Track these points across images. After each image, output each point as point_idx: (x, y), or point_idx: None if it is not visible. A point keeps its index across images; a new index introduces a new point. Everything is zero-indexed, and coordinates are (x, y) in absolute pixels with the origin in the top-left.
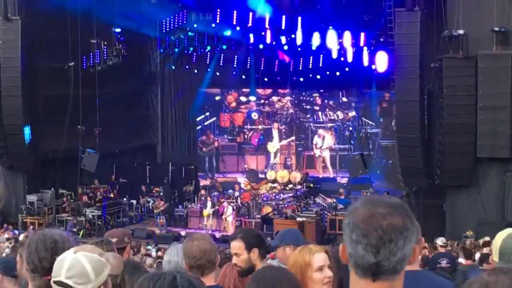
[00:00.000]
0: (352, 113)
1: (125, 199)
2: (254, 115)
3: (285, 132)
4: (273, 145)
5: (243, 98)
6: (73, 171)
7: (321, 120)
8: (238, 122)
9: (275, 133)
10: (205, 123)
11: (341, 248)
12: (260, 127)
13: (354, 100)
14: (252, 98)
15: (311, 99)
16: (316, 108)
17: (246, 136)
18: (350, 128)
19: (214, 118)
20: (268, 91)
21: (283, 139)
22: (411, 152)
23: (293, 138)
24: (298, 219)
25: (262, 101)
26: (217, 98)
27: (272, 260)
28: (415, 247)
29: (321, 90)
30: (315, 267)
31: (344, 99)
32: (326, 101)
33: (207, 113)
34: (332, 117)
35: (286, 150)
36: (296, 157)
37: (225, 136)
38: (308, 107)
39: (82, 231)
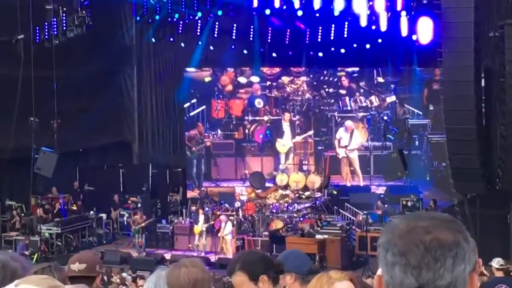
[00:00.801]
0: (391, 98)
1: (92, 212)
2: (258, 103)
3: (300, 125)
4: (284, 143)
5: (242, 80)
6: (25, 177)
7: (348, 108)
8: (236, 112)
9: (286, 126)
10: (191, 114)
11: (376, 280)
12: (265, 118)
13: (393, 80)
14: (255, 79)
15: (335, 79)
16: (342, 92)
17: (247, 131)
18: (386, 118)
19: (204, 107)
20: (277, 70)
21: (297, 134)
22: (465, 148)
23: (311, 132)
24: (318, 236)
25: (269, 83)
26: (207, 79)
27: None
28: (472, 275)
29: (347, 69)
30: None
31: (380, 80)
32: (355, 82)
33: (194, 100)
34: (364, 104)
35: (302, 150)
36: (315, 158)
37: (218, 131)
38: (330, 90)
39: (36, 254)
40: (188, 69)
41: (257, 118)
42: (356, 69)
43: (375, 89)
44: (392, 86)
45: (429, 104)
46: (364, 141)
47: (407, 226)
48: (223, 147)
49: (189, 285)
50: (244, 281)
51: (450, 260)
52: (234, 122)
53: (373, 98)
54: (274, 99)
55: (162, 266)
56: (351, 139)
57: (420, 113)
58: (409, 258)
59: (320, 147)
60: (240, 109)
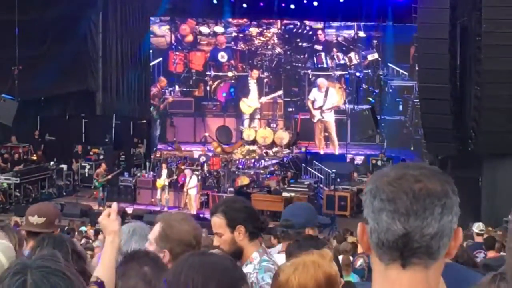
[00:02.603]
0: (373, 56)
1: (52, 163)
2: (222, 56)
3: (269, 83)
4: (250, 103)
5: (204, 29)
6: None
7: (324, 65)
8: (196, 66)
9: (252, 84)
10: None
11: (359, 228)
12: (230, 74)
13: (376, 36)
14: (219, 29)
15: (310, 32)
16: (318, 47)
17: (208, 88)
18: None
19: (160, 59)
20: (244, 20)
21: (265, 94)
22: (437, 108)
23: (281, 92)
24: (285, 194)
25: (235, 34)
26: (164, 28)
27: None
28: (457, 228)
29: (324, 23)
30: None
31: (362, 34)
32: (333, 36)
33: (150, 51)
34: (342, 62)
35: (270, 111)
36: (284, 122)
37: (176, 87)
38: (304, 44)
39: None
40: (155, 17)
41: (220, 73)
42: (336, 23)
43: (355, 45)
44: (375, 42)
45: (415, 63)
46: (341, 103)
47: (396, 174)
48: (181, 105)
49: (193, 238)
50: (221, 224)
51: (439, 209)
52: (194, 78)
53: (352, 55)
54: (240, 53)
55: (133, 220)
56: (326, 99)
57: (406, 74)
58: (398, 205)
59: (290, 109)
60: (201, 63)
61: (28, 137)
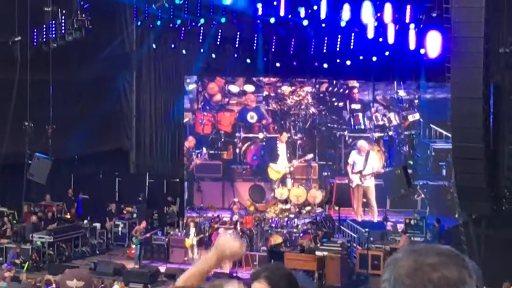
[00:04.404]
0: (415, 116)
1: (86, 221)
2: (252, 117)
3: (302, 144)
4: (277, 169)
5: (234, 88)
6: (17, 183)
7: (362, 126)
8: (224, 127)
9: (282, 148)
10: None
11: None
12: (260, 135)
13: (417, 95)
14: (249, 88)
15: (347, 91)
16: (355, 106)
17: (237, 151)
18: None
19: (187, 119)
20: (276, 79)
21: (298, 156)
22: (471, 167)
23: (311, 156)
24: (318, 253)
25: (266, 93)
26: (191, 86)
27: None
28: None
29: (361, 81)
30: None
31: (402, 93)
32: (370, 95)
33: (184, 110)
34: (381, 122)
35: (303, 175)
36: (319, 187)
37: (204, 149)
38: (340, 104)
39: (27, 263)
40: (189, 76)
41: (250, 135)
42: (371, 81)
43: (395, 105)
44: (416, 102)
45: None
46: (380, 167)
47: (414, 263)
48: (208, 169)
49: None
50: None
51: None
52: (222, 139)
53: (392, 115)
54: (272, 113)
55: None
56: (367, 163)
57: (449, 136)
58: None
59: (325, 173)
60: (230, 123)
61: (62, 196)
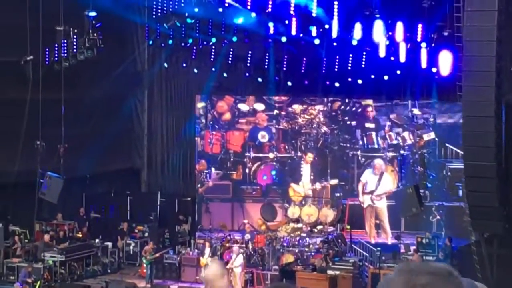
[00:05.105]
0: (430, 135)
1: (97, 240)
2: (262, 136)
3: (314, 163)
4: (300, 190)
5: (243, 107)
6: (29, 202)
7: (375, 146)
8: (234, 147)
9: (306, 169)
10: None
11: None
12: (271, 155)
13: (432, 113)
14: (259, 106)
15: (359, 109)
16: (368, 125)
17: (247, 171)
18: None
19: (197, 139)
20: (287, 98)
21: (315, 179)
22: (483, 186)
23: (336, 181)
24: (330, 272)
25: (276, 112)
26: (200, 105)
27: None
28: None
29: (374, 99)
30: None
31: (416, 112)
32: (384, 114)
33: (196, 129)
34: (395, 141)
35: (316, 196)
36: (331, 206)
37: (212, 169)
38: (353, 123)
39: (39, 282)
40: (201, 95)
41: (260, 155)
42: (384, 100)
43: (410, 123)
44: (431, 120)
45: None
46: (393, 187)
47: (406, 284)
48: (217, 189)
49: None
50: None
51: None
52: (232, 159)
53: (406, 134)
54: (283, 132)
55: None
56: (379, 183)
57: None
58: None
59: (337, 194)
60: (240, 143)
61: (73, 215)
